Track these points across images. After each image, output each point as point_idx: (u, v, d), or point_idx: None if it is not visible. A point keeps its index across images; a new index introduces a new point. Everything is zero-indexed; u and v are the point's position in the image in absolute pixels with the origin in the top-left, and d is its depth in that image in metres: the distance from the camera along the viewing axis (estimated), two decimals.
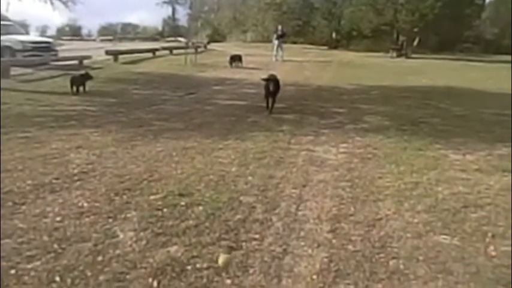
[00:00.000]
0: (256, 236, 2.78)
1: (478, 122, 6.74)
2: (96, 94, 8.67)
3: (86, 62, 14.24)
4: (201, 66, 15.70)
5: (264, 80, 7.18)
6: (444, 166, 4.32)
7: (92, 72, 9.51)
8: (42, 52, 13.73)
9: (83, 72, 9.34)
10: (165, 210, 3.13)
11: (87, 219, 2.97)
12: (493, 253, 2.60)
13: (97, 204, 3.22)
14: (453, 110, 7.83)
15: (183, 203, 3.25)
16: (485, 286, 2.27)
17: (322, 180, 3.83)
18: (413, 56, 23.66)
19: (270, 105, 7.14)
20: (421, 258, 2.54)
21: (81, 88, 8.66)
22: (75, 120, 6.12)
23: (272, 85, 6.94)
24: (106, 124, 5.94)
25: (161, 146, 4.88)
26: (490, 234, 2.83)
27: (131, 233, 2.80)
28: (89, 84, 8.86)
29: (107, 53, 16.12)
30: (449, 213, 3.15)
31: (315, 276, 2.36)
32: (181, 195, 3.40)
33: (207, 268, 2.42)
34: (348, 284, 2.29)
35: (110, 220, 2.97)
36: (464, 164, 4.40)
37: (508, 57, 22.35)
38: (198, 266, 2.44)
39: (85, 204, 3.20)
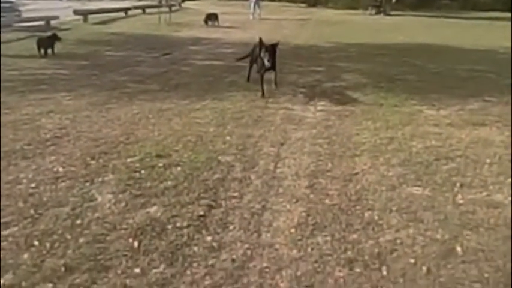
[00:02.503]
0: (235, 194, 2.82)
1: (452, 78, 6.85)
2: (66, 57, 8.28)
3: (53, 22, 13.49)
4: (175, 25, 15.12)
5: (260, 45, 5.29)
6: (419, 121, 4.41)
7: (60, 34, 9.02)
8: (4, 13, 12.87)
9: (50, 33, 8.85)
10: (143, 172, 3.12)
11: (63, 184, 2.92)
12: (461, 201, 2.73)
13: (73, 168, 3.17)
14: (429, 67, 7.90)
15: (161, 164, 3.23)
16: (452, 232, 2.40)
17: (300, 138, 3.87)
18: (392, 13, 23.42)
19: (262, 87, 5.39)
20: (394, 208, 2.65)
21: (49, 50, 8.24)
22: (45, 85, 5.87)
23: (267, 55, 5.09)
24: (78, 87, 5.73)
25: (137, 108, 4.77)
26: (458, 184, 2.96)
27: (109, 196, 2.79)
28: (57, 47, 8.43)
29: (75, 12, 15.27)
30: (422, 166, 3.26)
31: (293, 230, 2.43)
32: (159, 156, 3.38)
33: (187, 226, 2.45)
34: (325, 235, 2.38)
35: (87, 184, 2.94)
36: (438, 119, 4.51)
37: (483, 14, 22.45)
38: (178, 224, 2.47)
39: (60, 169, 3.14)
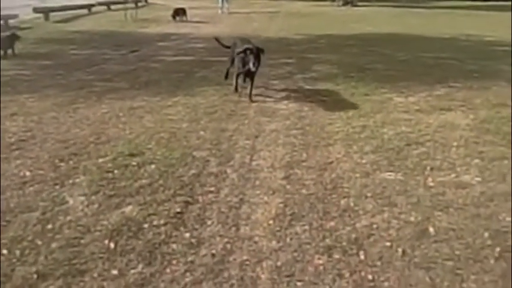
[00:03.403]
0: (212, 189, 2.80)
1: (419, 66, 7.04)
2: (28, 57, 7.91)
3: (11, 21, 12.82)
4: (142, 21, 14.74)
5: (239, 52, 4.86)
6: (389, 109, 4.52)
7: (20, 33, 8.62)
8: None
9: (9, 33, 8.42)
10: (115, 171, 3.04)
11: (31, 189, 2.81)
12: (431, 184, 2.83)
13: (41, 172, 3.04)
14: (396, 56, 8.09)
15: (134, 163, 3.16)
16: (425, 213, 2.48)
17: (274, 130, 3.88)
18: (359, 4, 23.81)
19: (237, 84, 5.15)
20: (369, 194, 2.71)
21: (9, 51, 7.85)
22: (7, 86, 5.58)
23: (252, 57, 4.64)
24: (43, 88, 5.49)
25: (106, 107, 4.64)
26: (428, 168, 3.06)
27: (81, 198, 2.70)
28: (18, 47, 8.04)
29: (35, 10, 14.59)
30: (393, 152, 3.35)
31: (271, 222, 2.44)
32: (131, 155, 3.30)
33: (165, 224, 2.41)
34: (303, 225, 2.40)
35: (57, 187, 2.83)
36: (407, 106, 4.64)
37: (445, 3, 23.21)
38: (155, 223, 2.43)
39: (27, 173, 3.01)
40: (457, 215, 2.46)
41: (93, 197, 2.71)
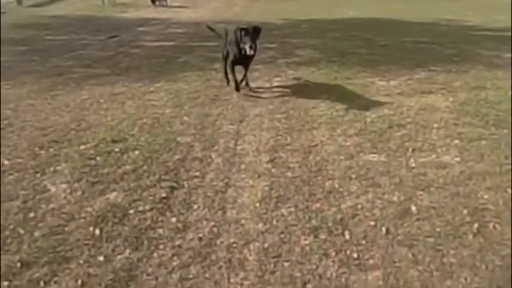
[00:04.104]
0: (197, 174, 2.79)
1: (400, 50, 7.10)
2: (1, 42, 7.62)
3: None
4: (121, 6, 14.36)
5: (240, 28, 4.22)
6: (371, 92, 4.56)
7: None
8: None
9: None
10: (98, 158, 2.99)
11: (10, 177, 2.74)
12: (413, 164, 2.89)
13: (20, 160, 2.97)
14: (378, 40, 8.12)
15: (117, 149, 3.11)
16: (407, 193, 2.53)
17: (258, 114, 3.87)
18: None
19: (236, 80, 4.49)
20: (353, 176, 2.75)
21: None
22: None
23: (248, 39, 4.13)
24: (19, 75, 5.32)
25: (86, 93, 4.53)
26: (410, 149, 3.12)
27: (64, 186, 2.65)
28: None
29: None
30: (376, 134, 3.39)
31: (257, 205, 2.45)
32: (114, 141, 3.25)
33: (150, 209, 2.40)
34: (289, 207, 2.42)
35: (38, 175, 2.78)
36: (389, 89, 4.69)
37: None
38: (140, 208, 2.41)
39: (5, 162, 2.93)
40: (438, 194, 2.52)
41: (76, 184, 2.66)
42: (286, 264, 1.99)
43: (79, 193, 2.57)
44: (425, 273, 1.91)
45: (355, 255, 2.03)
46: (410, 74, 5.34)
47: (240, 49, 4.24)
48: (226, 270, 1.96)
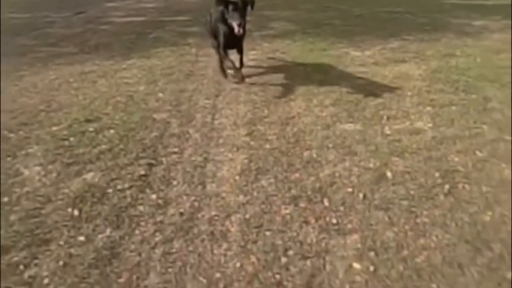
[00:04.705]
0: (176, 150, 2.77)
1: (374, 21, 7.11)
2: None
3: None
4: None
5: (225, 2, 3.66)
6: (346, 63, 4.58)
7: None
8: None
9: None
10: (72, 139, 2.91)
11: None
12: (388, 132, 2.96)
13: None
14: (352, 11, 8.10)
15: (91, 129, 3.04)
16: (382, 159, 2.60)
17: (234, 88, 3.84)
18: None
19: (234, 66, 3.84)
20: (330, 145, 2.79)
21: None
22: None
23: (236, 16, 3.60)
24: None
25: (54, 73, 4.36)
26: (385, 117, 3.19)
27: (37, 168, 2.58)
28: None
29: None
30: (352, 104, 3.43)
31: (237, 177, 2.47)
32: (88, 121, 3.16)
33: (130, 187, 2.38)
34: (269, 178, 2.45)
35: (9, 159, 2.69)
36: (363, 59, 4.72)
37: None
38: (119, 187, 2.39)
39: None
40: (412, 159, 2.61)
41: (50, 166, 2.60)
42: (267, 233, 2.03)
43: (54, 175, 2.51)
44: (400, 233, 2.00)
45: (334, 220, 2.09)
46: (384, 44, 5.39)
47: (229, 27, 3.64)
48: (209, 242, 1.98)
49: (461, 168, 2.49)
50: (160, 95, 3.69)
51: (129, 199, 2.29)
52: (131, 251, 1.93)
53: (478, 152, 2.67)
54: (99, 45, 5.57)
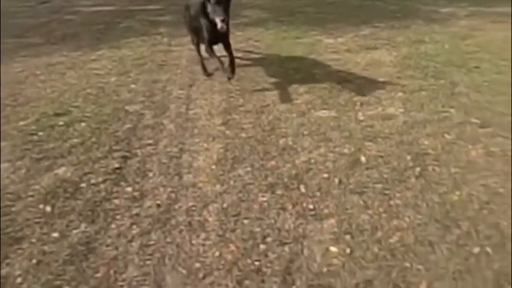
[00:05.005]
0: (150, 141, 2.73)
1: (346, 8, 7.16)
2: None
3: None
4: None
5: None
6: (319, 50, 4.61)
7: None
8: None
9: None
10: (40, 133, 2.82)
11: None
12: (361, 118, 3.01)
13: None
14: None
15: (61, 123, 2.95)
16: (356, 145, 2.66)
17: (208, 78, 3.79)
18: None
19: (221, 62, 3.46)
20: (305, 132, 2.82)
21: None
22: None
23: (219, 10, 3.24)
24: None
25: (20, 65, 4.18)
26: (358, 103, 3.24)
27: (6, 165, 2.50)
28: None
29: None
30: (326, 91, 3.47)
31: (214, 167, 2.46)
32: (57, 115, 3.07)
33: (104, 181, 2.33)
34: (245, 167, 2.46)
35: None
36: (336, 47, 4.76)
37: None
38: (93, 181, 2.34)
39: None
40: (384, 143, 2.67)
41: (19, 162, 2.51)
42: (245, 221, 2.04)
43: (23, 171, 2.43)
44: (374, 216, 2.05)
45: (310, 206, 2.13)
46: (356, 31, 5.44)
47: (211, 22, 3.29)
48: (187, 233, 1.98)
49: (431, 151, 2.58)
50: (133, 86, 3.61)
51: (103, 193, 2.24)
52: (107, 245, 1.90)
53: (446, 135, 2.76)
54: (66, 36, 5.38)
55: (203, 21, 3.41)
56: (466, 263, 1.77)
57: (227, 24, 3.29)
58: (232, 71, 3.43)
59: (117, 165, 2.47)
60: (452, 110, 3.12)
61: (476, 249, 1.84)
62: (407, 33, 5.33)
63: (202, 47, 3.71)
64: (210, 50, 3.49)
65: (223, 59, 3.52)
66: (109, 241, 1.93)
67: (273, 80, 3.74)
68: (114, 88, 3.55)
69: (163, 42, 4.90)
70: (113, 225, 2.02)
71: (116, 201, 2.19)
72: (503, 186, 2.24)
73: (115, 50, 4.62)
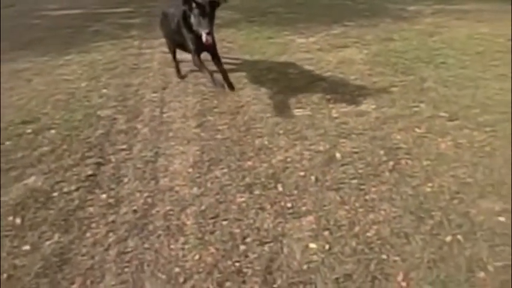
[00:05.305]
0: (124, 147, 2.67)
1: (317, 7, 7.26)
2: None
3: None
4: None
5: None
6: (292, 50, 4.65)
7: None
8: None
9: None
10: (7, 143, 2.72)
11: None
12: (335, 115, 3.06)
13: None
14: None
15: (29, 131, 2.85)
16: (331, 142, 2.69)
17: (182, 80, 3.76)
18: None
19: (210, 73, 3.14)
20: (281, 131, 2.84)
21: None
22: None
23: (204, 22, 2.95)
24: None
25: None
26: (332, 101, 3.29)
27: None
28: None
29: None
30: (300, 90, 3.50)
31: (190, 170, 2.44)
32: (25, 122, 2.96)
33: (77, 189, 2.27)
34: (222, 168, 2.45)
35: None
36: (308, 46, 4.82)
37: None
38: (65, 190, 2.27)
39: None
40: (358, 140, 2.72)
41: None
42: (224, 222, 2.04)
43: None
44: (351, 211, 2.09)
45: (289, 204, 2.14)
46: (327, 30, 5.52)
47: (195, 33, 3.02)
48: (166, 237, 1.95)
49: (403, 145, 2.65)
50: (104, 90, 3.53)
51: (77, 201, 2.19)
52: (83, 255, 1.85)
53: (417, 129, 2.84)
54: (32, 41, 5.20)
55: (186, 34, 3.14)
56: (440, 252, 1.83)
57: (213, 37, 3.04)
58: (229, 85, 3.20)
59: (90, 172, 2.41)
60: (422, 105, 3.21)
61: (448, 238, 1.90)
62: (377, 31, 5.46)
63: (180, 52, 3.61)
64: (199, 62, 3.20)
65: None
66: (84, 250, 1.88)
67: (247, 80, 3.75)
68: (85, 93, 3.46)
69: (134, 45, 4.81)
70: (88, 234, 1.97)
71: (91, 209, 2.13)
72: (471, 176, 2.33)
73: (84, 55, 4.50)
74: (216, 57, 3.28)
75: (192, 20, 3.00)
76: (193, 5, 2.94)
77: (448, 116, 3.01)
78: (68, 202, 2.18)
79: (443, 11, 6.75)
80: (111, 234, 1.97)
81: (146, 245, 1.91)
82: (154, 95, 3.45)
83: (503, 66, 4.07)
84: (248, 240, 1.93)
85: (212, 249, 1.88)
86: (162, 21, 3.64)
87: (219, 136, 2.79)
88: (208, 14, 2.95)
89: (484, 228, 1.96)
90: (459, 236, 1.91)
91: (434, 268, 1.75)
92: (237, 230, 1.98)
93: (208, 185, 2.31)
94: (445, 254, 1.82)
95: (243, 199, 2.19)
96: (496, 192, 2.21)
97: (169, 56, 4.26)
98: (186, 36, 3.15)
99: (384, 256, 1.82)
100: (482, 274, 1.73)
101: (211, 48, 3.18)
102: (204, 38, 2.93)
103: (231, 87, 3.23)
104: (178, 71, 3.78)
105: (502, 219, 2.02)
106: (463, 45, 4.74)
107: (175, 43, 3.48)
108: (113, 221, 2.05)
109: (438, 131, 2.81)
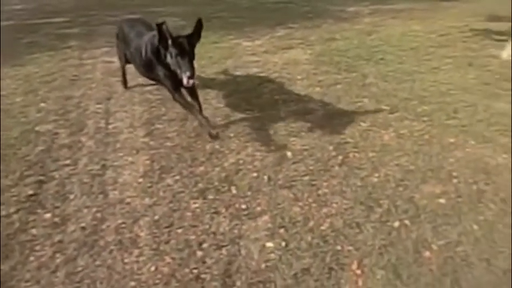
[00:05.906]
0: (68, 162, 2.53)
1: (261, 11, 7.38)
2: None
3: None
4: None
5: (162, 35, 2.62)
6: (238, 53, 4.68)
7: None
8: None
9: None
10: None
11: None
12: (283, 115, 3.11)
13: None
14: (240, 3, 8.27)
15: None
16: (282, 141, 2.73)
17: (127, 90, 3.64)
18: None
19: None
20: (232, 134, 2.83)
21: None
22: None
23: (185, 64, 2.53)
24: None
25: None
26: (280, 101, 3.34)
27: None
28: None
29: None
30: (248, 92, 3.53)
31: (141, 180, 2.36)
32: None
33: (16, 211, 2.12)
34: (174, 176, 2.40)
35: None
36: (254, 49, 4.87)
37: None
38: (3, 213, 2.11)
39: None
40: (308, 137, 2.79)
41: None
42: (179, 230, 1.99)
43: None
44: (305, 207, 2.13)
45: (243, 206, 2.15)
46: (272, 33, 5.63)
47: (172, 72, 2.58)
48: (119, 252, 1.88)
49: (350, 139, 2.75)
50: (43, 104, 3.32)
51: (17, 224, 2.04)
52: (27, 281, 1.73)
53: (362, 123, 2.97)
54: None
55: (160, 70, 2.68)
56: (389, 237, 1.92)
57: (193, 77, 2.52)
58: (207, 121, 2.73)
59: (31, 192, 2.25)
60: (365, 100, 3.37)
61: (396, 224, 2.00)
62: (320, 32, 5.65)
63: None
64: (181, 98, 2.74)
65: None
66: (28, 276, 1.75)
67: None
68: (21, 109, 3.24)
69: (73, 56, 4.58)
70: (31, 258, 1.84)
71: (33, 230, 2.00)
72: (413, 163, 2.48)
73: (19, 68, 4.21)
74: (194, 94, 2.83)
75: (169, 60, 2.55)
76: (169, 41, 2.53)
77: (389, 109, 3.17)
78: (7, 226, 2.02)
79: (379, 11, 7.15)
80: (58, 255, 1.86)
81: (98, 262, 1.82)
82: (99, 106, 3.30)
83: (435, 60, 4.38)
84: (205, 245, 1.90)
85: (168, 259, 1.83)
86: (117, 42, 3.29)
87: (168, 144, 2.73)
88: (188, 53, 2.56)
89: (427, 210, 2.09)
90: (406, 221, 2.02)
91: (385, 253, 1.83)
92: (193, 237, 1.95)
93: (161, 193, 2.25)
94: (394, 239, 1.91)
95: (197, 205, 2.16)
96: (435, 176, 2.36)
97: (114, 65, 4.13)
98: (159, 72, 2.71)
99: (339, 247, 1.88)
100: (427, 253, 1.84)
101: (191, 89, 2.76)
102: (185, 81, 2.49)
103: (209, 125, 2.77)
104: (125, 81, 3.62)
105: (442, 201, 2.16)
106: (399, 41, 5.05)
107: (143, 75, 3.02)
108: (60, 241, 1.93)
109: (381, 124, 2.96)
